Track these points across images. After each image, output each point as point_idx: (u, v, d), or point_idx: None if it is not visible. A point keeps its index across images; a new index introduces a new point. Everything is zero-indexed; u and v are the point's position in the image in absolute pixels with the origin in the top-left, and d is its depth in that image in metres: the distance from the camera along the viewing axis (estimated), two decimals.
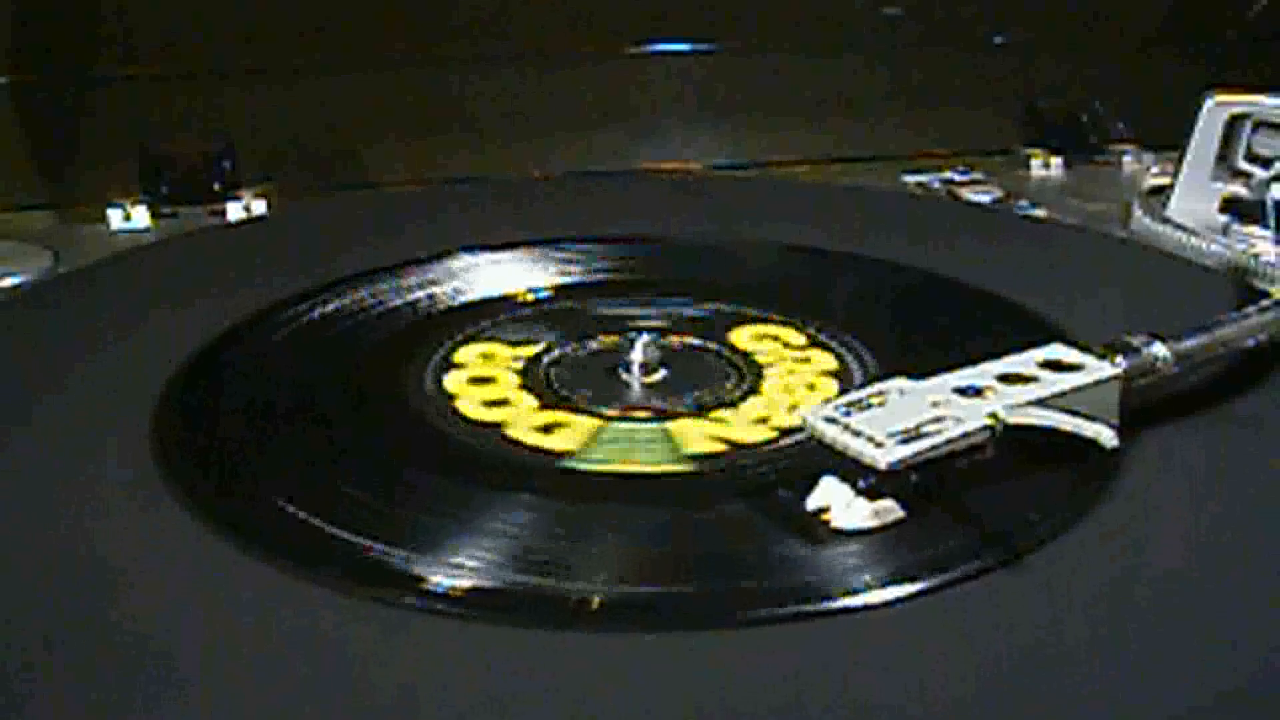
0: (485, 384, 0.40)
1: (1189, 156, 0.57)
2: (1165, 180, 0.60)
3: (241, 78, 0.67)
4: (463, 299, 0.47)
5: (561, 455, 0.36)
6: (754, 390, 0.40)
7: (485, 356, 0.42)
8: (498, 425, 0.38)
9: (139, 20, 0.65)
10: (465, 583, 0.30)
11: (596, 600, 0.30)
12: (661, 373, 0.41)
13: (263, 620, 0.28)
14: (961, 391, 0.33)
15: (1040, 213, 0.62)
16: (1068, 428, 0.32)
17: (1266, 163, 0.56)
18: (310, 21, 0.67)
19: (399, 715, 0.26)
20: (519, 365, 0.42)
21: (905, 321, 0.46)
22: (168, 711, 0.26)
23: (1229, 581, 0.30)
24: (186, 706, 0.26)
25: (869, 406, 0.32)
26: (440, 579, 0.30)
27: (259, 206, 0.61)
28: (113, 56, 0.66)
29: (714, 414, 0.39)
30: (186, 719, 0.26)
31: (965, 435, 0.31)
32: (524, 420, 0.38)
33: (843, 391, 0.40)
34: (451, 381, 0.41)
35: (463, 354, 0.42)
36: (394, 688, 0.26)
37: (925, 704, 0.26)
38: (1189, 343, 0.36)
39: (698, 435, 0.37)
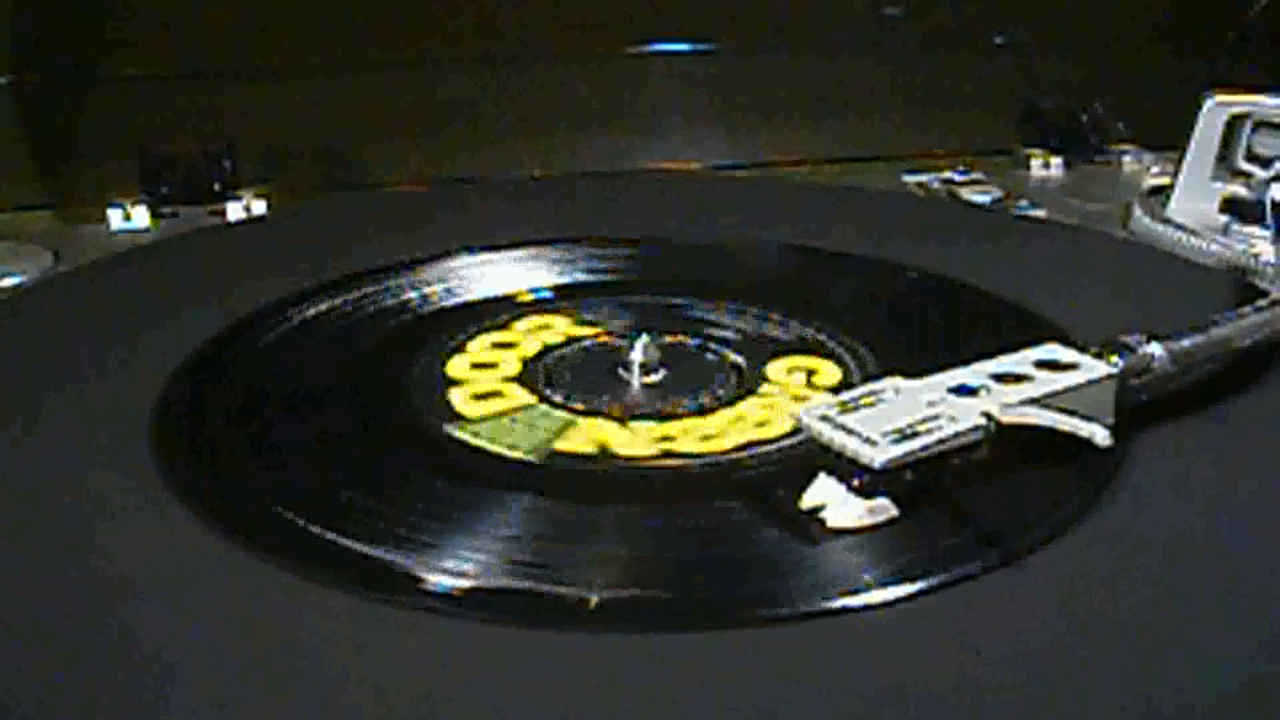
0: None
1: (1189, 156, 0.57)
2: (1165, 180, 0.60)
3: (241, 78, 0.67)
4: (463, 299, 0.47)
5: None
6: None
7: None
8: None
9: (139, 20, 0.65)
10: (465, 583, 0.30)
11: (596, 600, 0.30)
12: (661, 373, 0.41)
13: (262, 620, 0.29)
14: (956, 391, 0.33)
15: (1040, 213, 0.62)
16: (1062, 427, 0.32)
17: (1266, 163, 0.56)
18: (310, 21, 0.67)
19: (399, 715, 0.26)
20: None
21: (905, 321, 0.46)
22: (167, 712, 0.26)
23: (1227, 581, 0.30)
24: (185, 706, 0.26)
25: (864, 405, 0.32)
26: (440, 579, 0.30)
27: (259, 206, 0.61)
28: (113, 56, 0.66)
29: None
30: (185, 719, 0.26)
31: (959, 434, 0.32)
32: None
33: (840, 391, 0.40)
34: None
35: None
36: (394, 688, 0.27)
37: (924, 704, 0.26)
38: (1185, 342, 0.36)
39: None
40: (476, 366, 0.42)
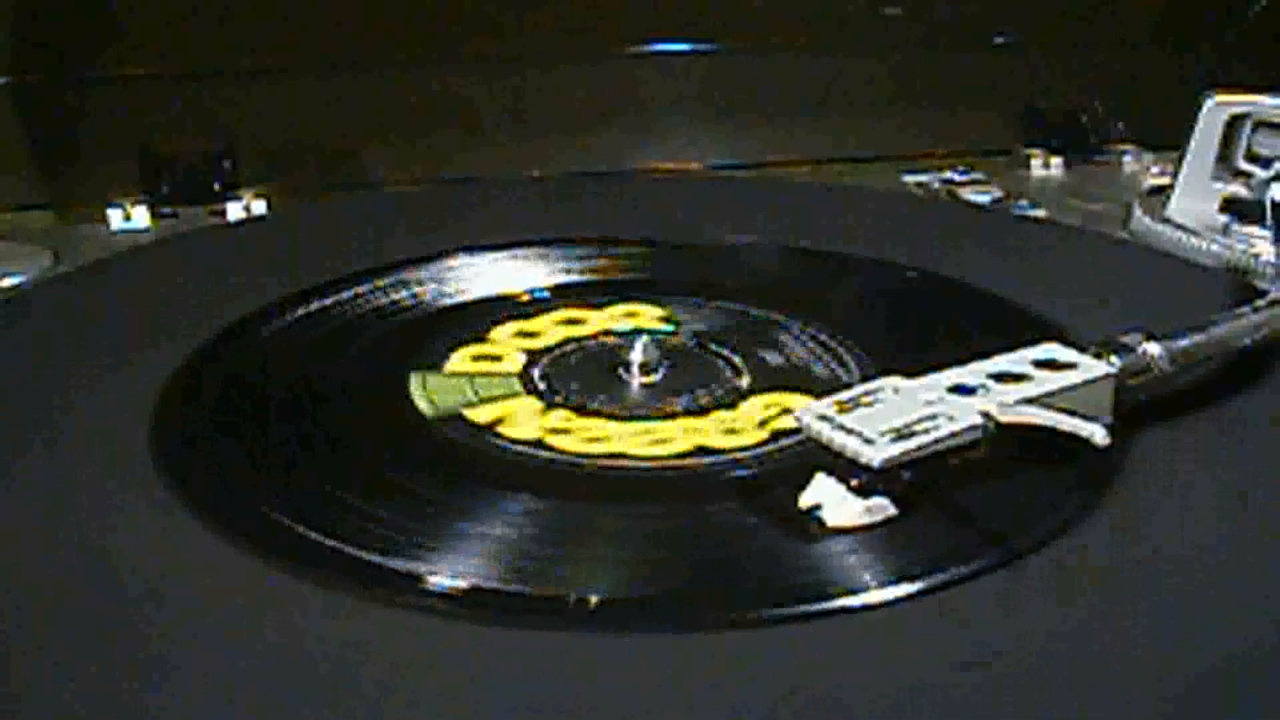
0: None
1: (1189, 156, 0.57)
2: (1165, 180, 0.60)
3: (241, 78, 0.67)
4: (462, 299, 0.47)
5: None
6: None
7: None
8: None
9: (139, 20, 0.65)
10: (465, 583, 0.30)
11: (596, 600, 0.30)
12: (660, 372, 0.41)
13: (262, 620, 0.29)
14: (955, 390, 0.33)
15: (1040, 213, 0.62)
16: (1061, 427, 0.32)
17: (1266, 163, 0.56)
18: (310, 21, 0.67)
19: (398, 716, 0.26)
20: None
21: (905, 321, 0.46)
22: (166, 711, 0.26)
23: (1226, 581, 0.30)
24: (185, 707, 0.26)
25: (862, 405, 0.32)
26: (440, 579, 0.30)
27: (259, 206, 0.61)
28: (113, 56, 0.66)
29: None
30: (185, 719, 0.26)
31: (957, 434, 0.32)
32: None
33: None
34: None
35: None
36: (393, 688, 0.27)
37: (923, 704, 0.26)
38: (1183, 342, 0.36)
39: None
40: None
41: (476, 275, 0.49)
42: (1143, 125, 0.72)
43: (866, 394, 0.33)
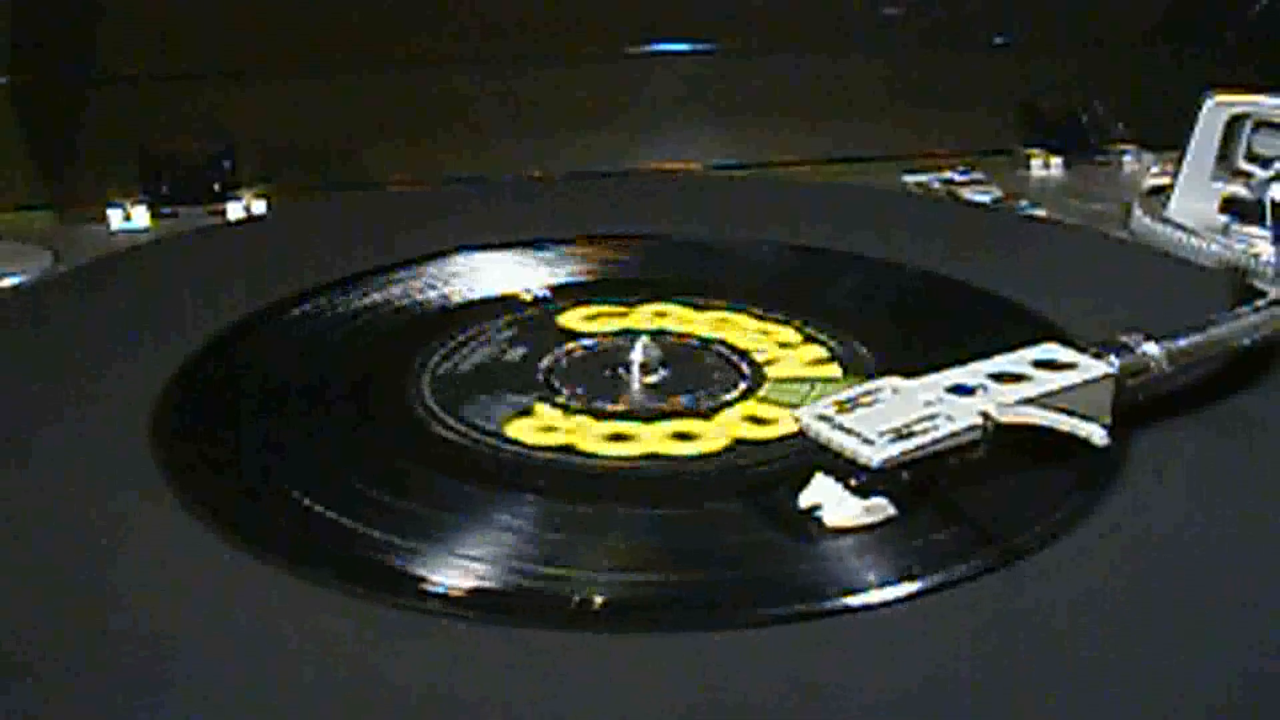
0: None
1: (1189, 156, 0.57)
2: (1165, 180, 0.60)
3: (241, 78, 0.67)
4: (462, 299, 0.47)
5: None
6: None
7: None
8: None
9: (139, 20, 0.65)
10: (465, 583, 0.30)
11: (596, 600, 0.30)
12: (661, 373, 0.41)
13: (262, 620, 0.29)
14: (954, 390, 0.33)
15: (1040, 213, 0.62)
16: (1059, 427, 0.32)
17: (1266, 163, 0.56)
18: (310, 21, 0.67)
19: (399, 716, 0.26)
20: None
21: (905, 321, 0.46)
22: (167, 712, 0.26)
23: (1226, 581, 0.30)
24: (186, 707, 0.26)
25: (862, 405, 0.32)
26: (440, 579, 0.30)
27: (259, 206, 0.61)
28: (113, 56, 0.66)
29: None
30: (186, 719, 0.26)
31: (956, 434, 0.32)
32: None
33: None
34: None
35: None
36: (394, 688, 0.27)
37: (922, 704, 0.26)
38: (1182, 342, 0.36)
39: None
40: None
41: (476, 275, 0.49)
42: (1143, 125, 0.72)
43: (866, 394, 0.33)
